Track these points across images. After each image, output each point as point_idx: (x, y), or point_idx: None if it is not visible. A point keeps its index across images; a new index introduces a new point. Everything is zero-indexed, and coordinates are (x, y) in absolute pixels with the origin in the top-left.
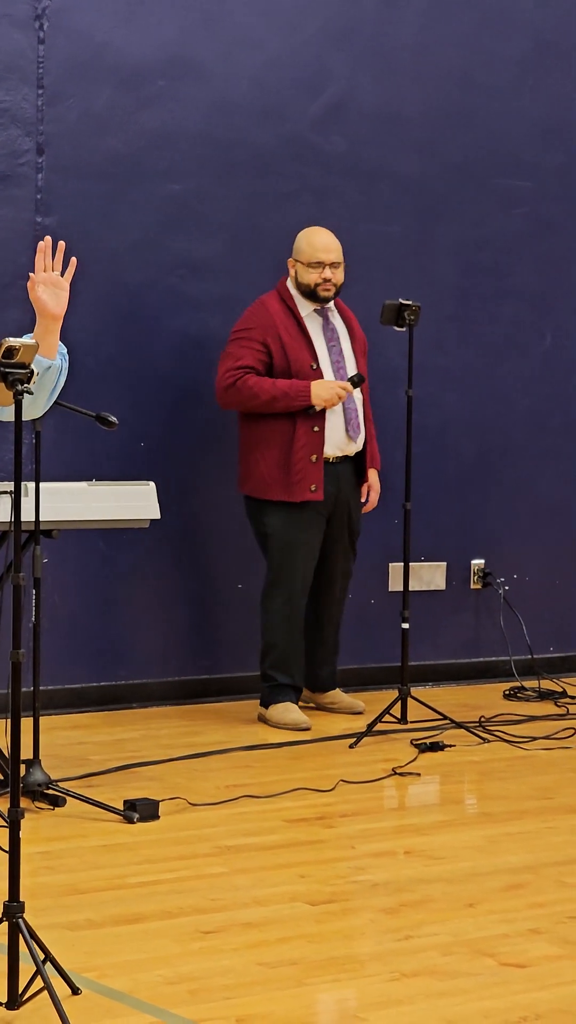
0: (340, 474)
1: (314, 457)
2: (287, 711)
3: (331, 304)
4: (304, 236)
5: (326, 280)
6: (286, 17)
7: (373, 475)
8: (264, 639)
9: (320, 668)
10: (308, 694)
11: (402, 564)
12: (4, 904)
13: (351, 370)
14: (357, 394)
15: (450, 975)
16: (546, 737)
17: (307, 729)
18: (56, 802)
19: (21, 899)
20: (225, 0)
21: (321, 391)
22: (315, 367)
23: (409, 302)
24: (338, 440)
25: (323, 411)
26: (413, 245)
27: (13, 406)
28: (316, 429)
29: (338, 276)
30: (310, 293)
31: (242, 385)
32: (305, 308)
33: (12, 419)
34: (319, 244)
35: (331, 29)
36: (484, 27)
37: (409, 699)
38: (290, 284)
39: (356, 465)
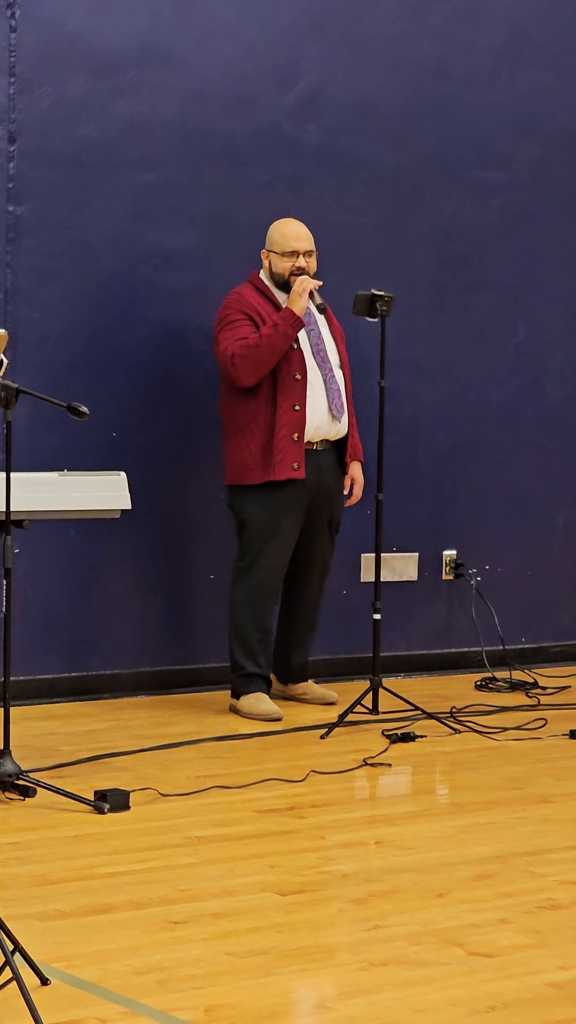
0: (322, 462)
1: (296, 436)
2: (259, 701)
3: None
4: (276, 227)
5: (300, 269)
6: (260, 6)
7: (356, 468)
8: (231, 626)
9: (292, 660)
10: (280, 686)
11: (374, 555)
12: None
13: (332, 353)
14: (339, 376)
15: (419, 964)
16: (517, 728)
17: (279, 719)
18: (26, 792)
19: None
20: None
21: (297, 289)
22: (296, 346)
23: (381, 293)
24: (321, 420)
25: (304, 388)
26: (387, 236)
27: None
28: (297, 408)
29: (312, 265)
30: (284, 283)
31: (243, 348)
32: (280, 297)
33: None
34: (291, 234)
35: (305, 19)
36: (459, 18)
37: (380, 690)
38: (263, 275)
39: (339, 453)
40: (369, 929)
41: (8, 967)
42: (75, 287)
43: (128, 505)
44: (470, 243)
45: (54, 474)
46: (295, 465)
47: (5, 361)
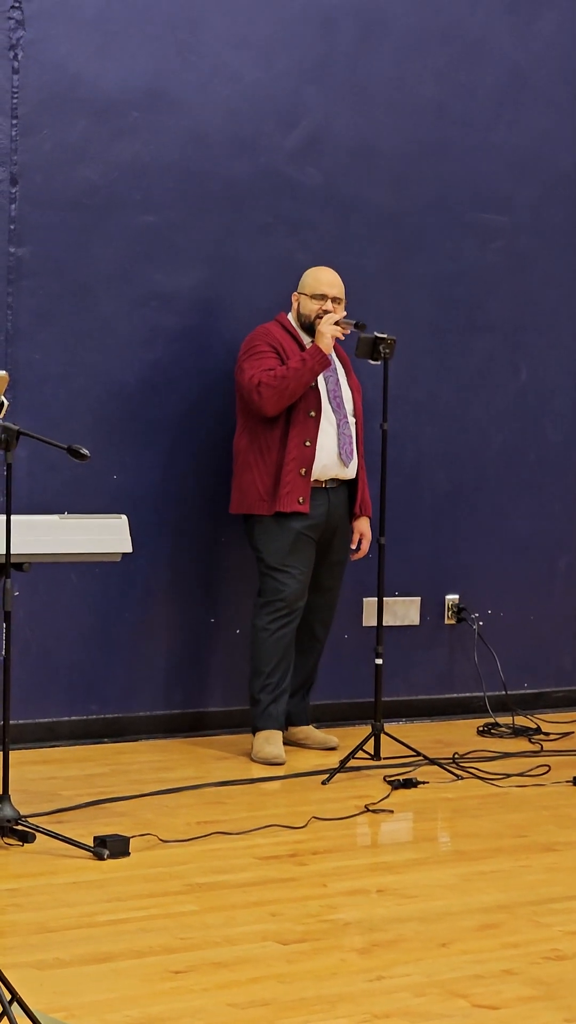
0: (332, 498)
1: (303, 471)
2: (267, 742)
3: None
4: (311, 272)
5: (326, 312)
6: (262, 49)
7: (365, 523)
8: (252, 661)
9: (292, 705)
10: None
11: (376, 599)
12: None
13: (347, 401)
14: (352, 424)
15: (423, 1016)
16: (520, 774)
17: (280, 764)
18: (25, 838)
19: None
20: (200, 32)
21: (323, 328)
22: (314, 386)
23: (384, 335)
24: (331, 459)
25: (317, 426)
26: (388, 278)
27: None
28: (308, 444)
29: (339, 312)
30: (310, 325)
31: (270, 378)
32: (305, 340)
33: None
34: (324, 279)
35: (307, 61)
36: (460, 61)
37: (382, 735)
38: (291, 317)
39: (350, 492)
40: (372, 980)
41: (6, 1017)
42: (76, 329)
43: (129, 548)
44: (471, 285)
45: (55, 517)
46: (300, 499)
47: (6, 403)
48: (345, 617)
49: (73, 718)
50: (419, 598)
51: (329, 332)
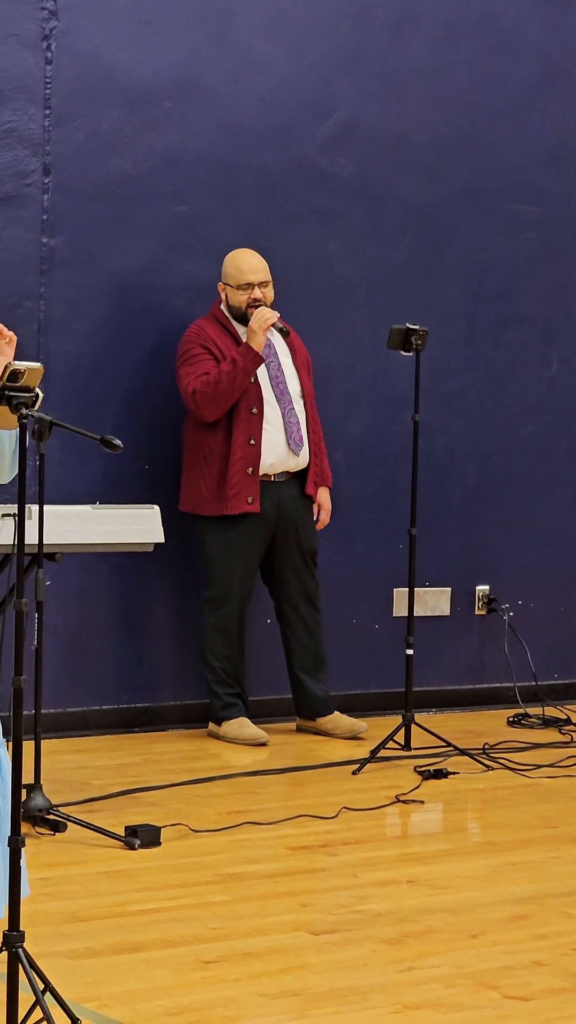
0: (282, 493)
1: (250, 470)
2: (242, 726)
3: None
4: (230, 259)
5: (255, 300)
6: (294, 40)
7: (324, 493)
8: (205, 655)
9: (309, 694)
10: (306, 722)
11: (407, 590)
12: (3, 933)
13: (292, 383)
14: (300, 409)
15: (453, 1008)
16: (550, 765)
17: (265, 744)
18: (57, 827)
19: (21, 927)
20: (233, 22)
21: (254, 326)
22: (254, 380)
23: (416, 327)
24: (279, 454)
25: (261, 422)
26: (420, 269)
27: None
28: (252, 442)
29: (268, 295)
30: (241, 315)
31: (204, 385)
32: (239, 330)
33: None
34: (245, 266)
35: (339, 52)
36: (493, 51)
37: (413, 725)
38: (223, 307)
39: (301, 484)
40: (403, 971)
41: (39, 1006)
42: (108, 319)
43: (161, 538)
44: (503, 277)
45: (87, 507)
46: (249, 499)
47: (40, 395)
48: (375, 607)
49: (104, 707)
50: (449, 589)
51: (261, 328)
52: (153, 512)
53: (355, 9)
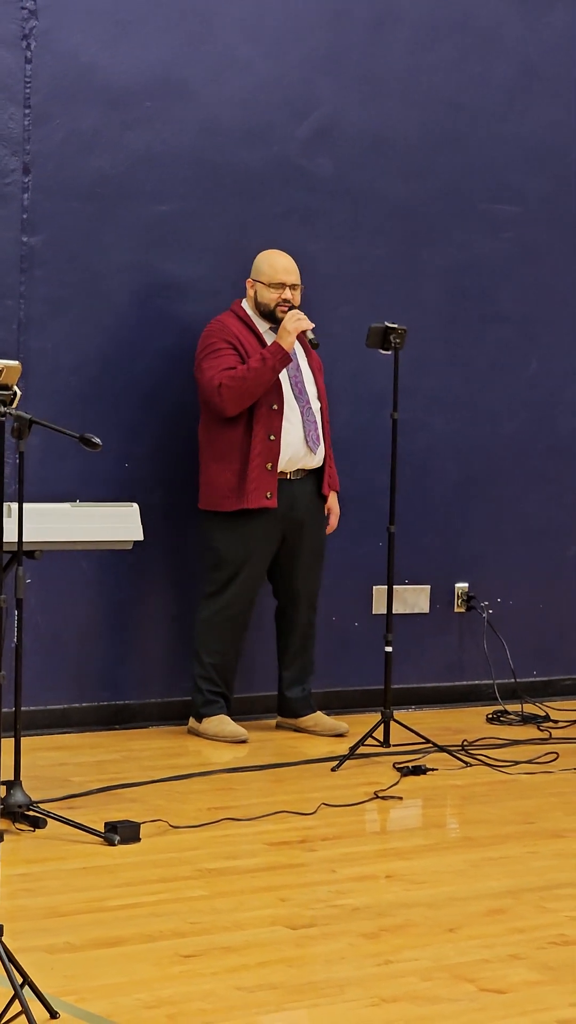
0: (297, 491)
1: (269, 465)
2: (223, 723)
3: None
4: (265, 258)
5: (286, 301)
6: (274, 39)
7: (333, 498)
8: (197, 650)
9: (292, 693)
10: (288, 720)
11: (386, 587)
12: None
13: (309, 385)
14: (316, 407)
15: (430, 1000)
16: (528, 761)
17: (245, 741)
18: (36, 824)
19: (0, 922)
20: (212, 22)
21: (288, 326)
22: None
23: (395, 325)
24: (296, 451)
25: (280, 419)
26: (400, 268)
27: None
28: (272, 438)
29: (296, 297)
30: (269, 313)
31: (230, 379)
32: (262, 327)
33: None
34: (280, 266)
35: (319, 52)
36: (472, 51)
37: (392, 722)
38: (246, 304)
39: (316, 483)
40: (380, 964)
41: (17, 1000)
42: (88, 318)
43: (140, 536)
44: (483, 276)
45: (66, 505)
46: (268, 494)
47: (18, 392)
48: (355, 605)
49: (84, 705)
50: (429, 586)
51: (294, 329)
52: (132, 510)
53: (334, 9)
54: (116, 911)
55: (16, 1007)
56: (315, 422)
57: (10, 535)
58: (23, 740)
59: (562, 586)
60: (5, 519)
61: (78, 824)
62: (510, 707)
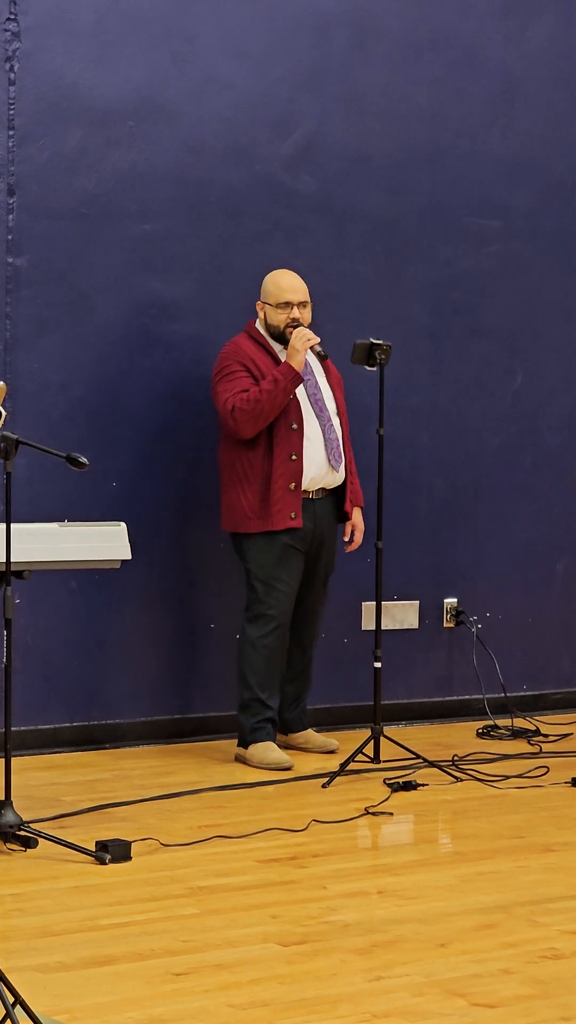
0: (318, 510)
1: (292, 486)
2: (268, 751)
3: None
4: (271, 279)
5: (295, 320)
6: (256, 58)
7: (357, 514)
8: (243, 673)
9: (289, 710)
10: (280, 736)
11: (374, 603)
12: None
13: (329, 401)
14: (337, 425)
15: (421, 1016)
16: (519, 776)
17: (289, 768)
18: (28, 843)
19: None
20: (195, 41)
21: (296, 344)
22: (293, 397)
23: (380, 341)
24: (318, 470)
25: (301, 438)
26: (384, 284)
27: None
28: (294, 458)
29: (306, 316)
30: (279, 335)
31: (243, 402)
32: (276, 347)
33: None
34: (285, 285)
35: (301, 70)
36: (453, 68)
37: (382, 738)
38: (259, 326)
39: (337, 501)
40: (371, 980)
41: (9, 1020)
42: (74, 338)
43: (128, 555)
44: (467, 291)
45: (54, 525)
46: (292, 515)
47: (4, 413)
48: (344, 621)
49: (74, 724)
50: (417, 602)
51: (303, 348)
52: (120, 529)
53: (316, 27)
54: (108, 930)
55: None
56: (336, 439)
57: None
58: (13, 760)
59: (551, 600)
60: None
61: (69, 843)
62: (500, 722)
